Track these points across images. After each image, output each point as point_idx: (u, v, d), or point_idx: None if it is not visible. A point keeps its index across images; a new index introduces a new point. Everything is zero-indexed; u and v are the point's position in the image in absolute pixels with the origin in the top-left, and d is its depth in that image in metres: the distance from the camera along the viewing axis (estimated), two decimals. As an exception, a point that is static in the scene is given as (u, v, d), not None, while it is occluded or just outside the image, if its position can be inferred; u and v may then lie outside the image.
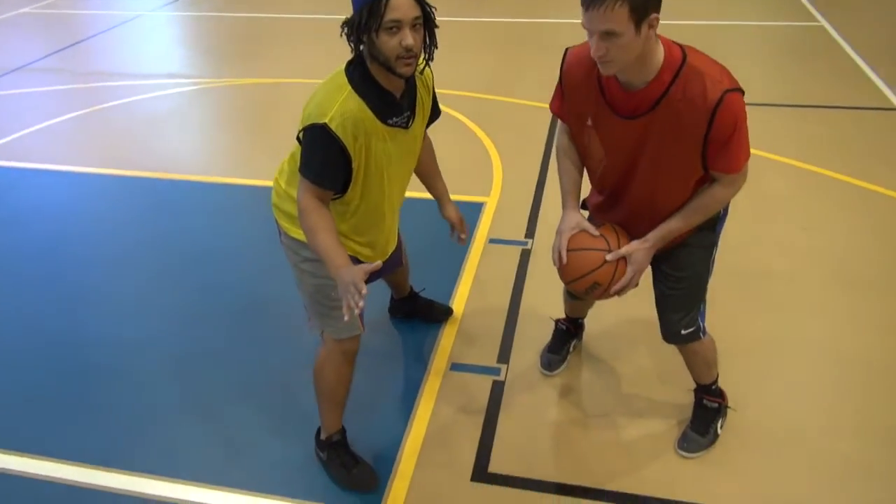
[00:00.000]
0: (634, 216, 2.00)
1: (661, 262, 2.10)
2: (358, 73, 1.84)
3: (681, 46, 1.75)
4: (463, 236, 2.41)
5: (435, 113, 2.16)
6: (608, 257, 1.93)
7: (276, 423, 2.47)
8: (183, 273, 3.35)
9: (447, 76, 5.51)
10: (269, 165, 4.24)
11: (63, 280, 3.33)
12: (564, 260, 1.97)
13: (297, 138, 1.89)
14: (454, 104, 5.03)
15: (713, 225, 2.04)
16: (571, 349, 2.71)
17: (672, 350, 2.27)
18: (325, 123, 1.77)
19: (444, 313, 2.93)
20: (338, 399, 2.22)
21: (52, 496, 2.22)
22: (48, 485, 2.26)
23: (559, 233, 2.00)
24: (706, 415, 2.33)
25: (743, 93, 1.73)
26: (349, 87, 1.82)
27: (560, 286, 2.46)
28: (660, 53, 1.71)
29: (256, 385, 2.65)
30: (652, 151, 1.82)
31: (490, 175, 4.12)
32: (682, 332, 2.14)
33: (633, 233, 2.00)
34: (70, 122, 5.13)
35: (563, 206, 2.06)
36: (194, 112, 5.39)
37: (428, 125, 2.17)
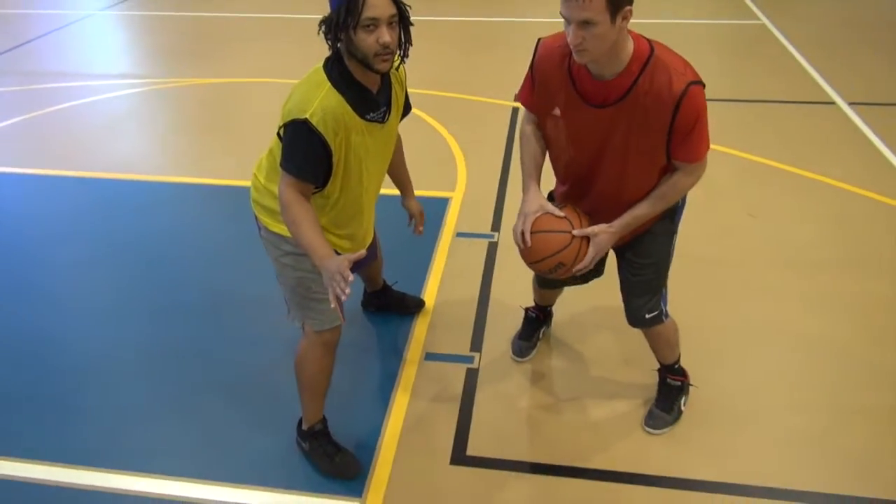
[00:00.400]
0: (601, 206, 2.09)
1: (626, 249, 2.21)
2: (336, 70, 1.90)
3: (648, 41, 1.86)
4: (420, 228, 2.53)
5: (406, 108, 2.24)
6: (575, 232, 2.00)
7: (256, 417, 2.51)
8: (150, 272, 3.34)
9: (407, 74, 5.59)
10: (228, 164, 4.31)
11: (28, 282, 3.29)
12: (528, 243, 2.01)
13: (278, 134, 1.94)
14: (415, 102, 5.04)
15: (673, 214, 2.17)
16: (541, 336, 2.82)
17: (636, 333, 2.40)
18: (307, 119, 1.83)
19: (416, 305, 3.01)
20: (319, 389, 2.28)
21: (30, 496, 2.22)
22: (26, 485, 2.26)
23: (522, 215, 2.04)
24: (670, 393, 2.47)
25: (704, 86, 1.85)
26: (328, 84, 1.88)
27: (528, 276, 2.57)
28: (630, 46, 1.81)
29: (234, 380, 2.68)
30: (619, 141, 1.93)
31: (454, 171, 4.21)
32: (647, 316, 2.27)
33: (598, 222, 2.08)
34: (21, 125, 5.02)
35: (525, 189, 2.11)
36: (149, 112, 5.33)
37: (400, 120, 2.24)
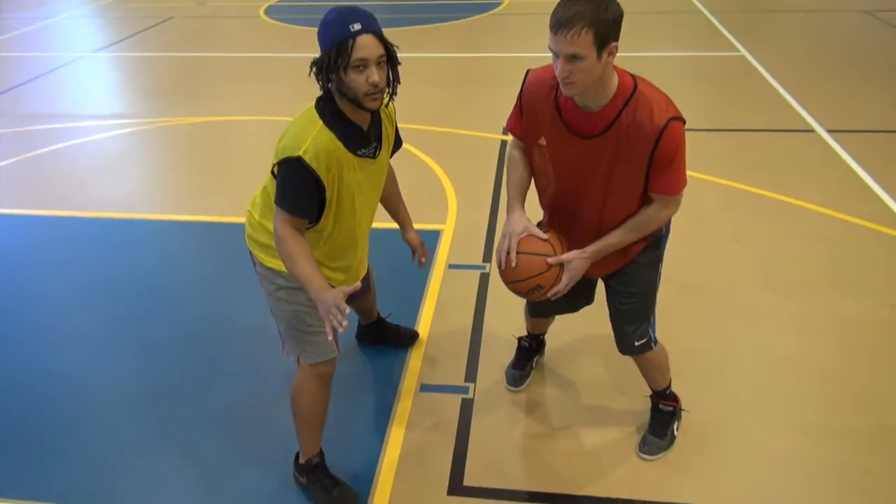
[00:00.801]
0: (584, 235, 2.14)
1: (612, 279, 2.27)
2: (328, 109, 1.97)
3: (633, 76, 1.94)
4: (423, 259, 2.56)
5: (397, 143, 2.31)
6: (550, 261, 2.04)
7: (251, 451, 2.52)
8: (143, 309, 3.36)
9: (398, 110, 5.69)
10: (220, 202, 4.37)
11: (21, 321, 3.31)
12: (513, 263, 2.05)
13: (272, 172, 2.00)
14: (406, 136, 5.13)
15: (658, 242, 2.23)
16: (534, 365, 2.86)
17: (627, 361, 2.44)
18: (300, 156, 1.89)
19: (410, 337, 3.04)
20: (315, 422, 2.30)
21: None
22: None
23: (508, 235, 2.08)
24: (663, 418, 2.50)
25: (684, 122, 1.93)
26: (320, 122, 1.94)
27: (520, 305, 2.62)
28: (615, 80, 1.89)
29: (228, 414, 2.69)
30: (603, 172, 2.00)
31: (445, 203, 4.28)
32: (636, 343, 2.31)
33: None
34: (14, 167, 5.06)
35: (510, 209, 2.15)
36: (141, 152, 5.39)
37: (391, 155, 2.31)
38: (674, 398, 2.53)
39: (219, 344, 3.10)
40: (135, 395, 2.82)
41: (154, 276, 3.64)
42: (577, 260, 2.08)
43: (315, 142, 1.91)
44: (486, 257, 3.68)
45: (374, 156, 2.09)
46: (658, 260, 2.25)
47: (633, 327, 2.29)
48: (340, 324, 1.82)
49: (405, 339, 3.04)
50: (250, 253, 2.24)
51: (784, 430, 2.56)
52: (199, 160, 5.15)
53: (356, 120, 1.99)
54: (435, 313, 3.25)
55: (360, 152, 2.02)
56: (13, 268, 3.80)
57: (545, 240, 2.09)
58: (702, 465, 2.42)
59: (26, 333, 3.25)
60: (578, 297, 2.34)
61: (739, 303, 3.28)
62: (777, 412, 2.65)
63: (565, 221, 2.21)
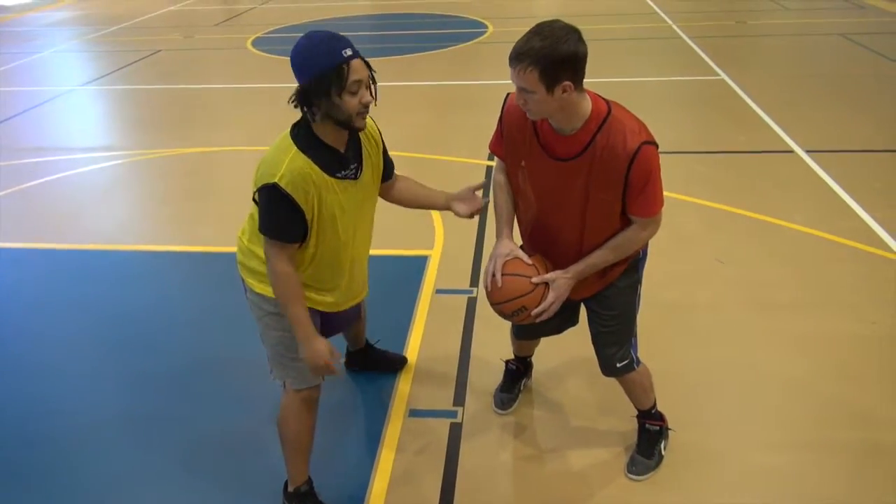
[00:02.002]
0: (564, 258, 2.18)
1: (593, 303, 2.30)
2: (302, 134, 2.01)
3: (607, 101, 2.00)
4: (479, 194, 2.40)
5: (389, 166, 2.34)
6: (534, 280, 2.10)
7: (242, 482, 2.52)
8: (134, 339, 3.36)
9: (384, 136, 5.76)
10: (209, 232, 4.39)
11: (11, 354, 3.30)
12: (499, 284, 2.11)
13: (254, 199, 2.04)
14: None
15: (636, 266, 2.27)
16: (522, 388, 2.88)
17: (612, 382, 2.47)
18: (276, 183, 1.94)
19: (399, 363, 3.06)
20: (303, 447, 2.31)
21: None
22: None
23: (494, 257, 2.16)
24: (649, 438, 2.52)
25: (657, 146, 1.98)
26: (294, 148, 1.98)
27: (508, 329, 2.65)
28: (587, 105, 1.95)
29: (218, 446, 2.69)
30: (580, 194, 2.04)
31: (431, 229, 4.32)
32: (618, 365, 2.34)
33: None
34: (4, 199, 5.07)
35: (498, 234, 2.23)
36: (131, 183, 5.42)
37: (388, 174, 2.34)
38: (660, 417, 2.55)
39: (208, 374, 3.10)
40: (125, 427, 2.81)
41: (144, 307, 3.65)
42: (560, 279, 2.11)
43: (290, 167, 1.95)
44: (474, 282, 3.71)
45: (355, 177, 2.12)
46: (636, 282, 2.29)
47: (615, 349, 2.32)
48: (335, 372, 1.94)
49: (394, 364, 3.05)
50: (241, 279, 2.26)
51: (770, 447, 2.58)
52: (188, 191, 5.18)
53: (332, 142, 2.03)
54: (423, 338, 3.27)
55: (339, 174, 2.06)
56: (1, 301, 3.79)
57: (530, 263, 2.14)
58: (690, 484, 2.44)
59: (15, 366, 3.23)
60: (562, 319, 2.37)
61: (723, 322, 3.32)
62: (763, 430, 2.67)
63: (547, 244, 2.24)
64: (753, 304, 3.44)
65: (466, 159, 5.41)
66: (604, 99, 2.00)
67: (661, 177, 2.00)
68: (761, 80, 7.16)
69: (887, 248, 3.86)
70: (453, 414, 2.80)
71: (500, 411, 2.79)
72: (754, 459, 2.53)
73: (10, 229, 4.63)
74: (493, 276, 2.13)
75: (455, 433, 2.70)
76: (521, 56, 1.81)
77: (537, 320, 2.16)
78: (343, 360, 2.15)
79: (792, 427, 2.68)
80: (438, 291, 3.65)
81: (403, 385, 2.96)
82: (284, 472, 2.34)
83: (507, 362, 2.86)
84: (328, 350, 2.07)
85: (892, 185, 4.68)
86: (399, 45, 9.46)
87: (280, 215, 1.99)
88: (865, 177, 4.77)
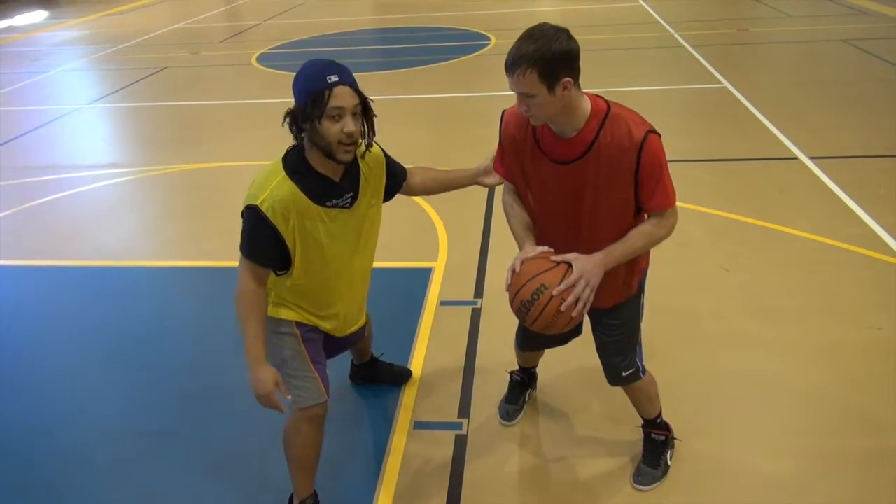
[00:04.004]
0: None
1: (597, 312, 2.28)
2: (293, 159, 2.02)
3: (605, 100, 1.99)
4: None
5: (397, 172, 2.33)
6: (554, 258, 1.95)
7: (247, 496, 2.52)
8: (140, 355, 3.38)
9: (387, 150, 5.78)
10: (214, 246, 4.41)
11: (17, 371, 3.32)
12: (517, 270, 1.97)
13: (242, 215, 2.06)
14: (396, 177, 5.27)
15: (642, 279, 2.25)
16: (527, 399, 2.87)
17: (617, 392, 2.46)
18: (257, 205, 1.96)
19: (404, 375, 3.06)
20: (308, 464, 2.31)
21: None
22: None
23: (519, 258, 2.01)
24: (655, 448, 2.51)
25: (660, 136, 1.96)
26: (283, 173, 2.00)
27: (512, 339, 2.65)
28: (586, 105, 1.94)
29: (224, 462, 2.70)
30: (590, 196, 2.00)
31: (435, 241, 4.33)
32: (624, 373, 2.33)
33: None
34: (12, 218, 5.12)
35: (520, 246, 2.11)
36: (137, 200, 5.46)
37: (399, 181, 2.33)
38: (665, 427, 2.54)
39: (214, 389, 3.11)
40: (129, 444, 2.82)
41: (150, 323, 3.67)
42: (583, 260, 1.94)
43: (273, 192, 1.96)
44: (478, 293, 3.71)
45: (349, 206, 2.12)
46: (640, 291, 2.29)
47: (620, 358, 2.31)
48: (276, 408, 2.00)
49: (399, 377, 3.05)
50: None
51: (777, 455, 2.56)
52: (194, 206, 5.22)
53: (324, 171, 2.03)
54: (428, 350, 3.27)
55: (329, 203, 2.05)
56: (10, 318, 3.82)
57: (557, 261, 1.99)
58: (697, 493, 2.42)
59: (22, 382, 3.25)
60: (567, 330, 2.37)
61: (729, 329, 3.31)
62: (769, 437, 2.66)
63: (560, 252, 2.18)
64: (759, 311, 3.43)
65: (470, 171, 5.41)
66: (602, 98, 2.00)
67: (667, 164, 1.97)
68: (764, 88, 7.16)
69: (893, 253, 3.85)
70: (458, 426, 2.79)
71: (505, 422, 2.79)
72: (761, 467, 2.51)
73: (19, 247, 4.67)
74: (512, 268, 1.99)
75: (460, 445, 2.70)
76: (518, 61, 1.81)
77: (566, 309, 1.90)
78: (288, 397, 2.16)
79: (799, 434, 2.66)
80: (443, 303, 3.65)
81: (408, 397, 2.96)
82: (289, 485, 2.34)
83: (511, 373, 2.86)
84: (273, 381, 2.04)
85: (896, 190, 4.67)
86: (402, 59, 9.52)
87: (256, 238, 2.01)
88: (870, 182, 4.76)
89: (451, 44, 10.38)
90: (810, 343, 3.17)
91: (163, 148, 6.61)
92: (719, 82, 7.48)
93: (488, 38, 10.33)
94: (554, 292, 1.91)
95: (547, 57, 1.79)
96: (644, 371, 2.38)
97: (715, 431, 2.69)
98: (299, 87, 1.94)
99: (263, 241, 2.01)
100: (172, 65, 10.11)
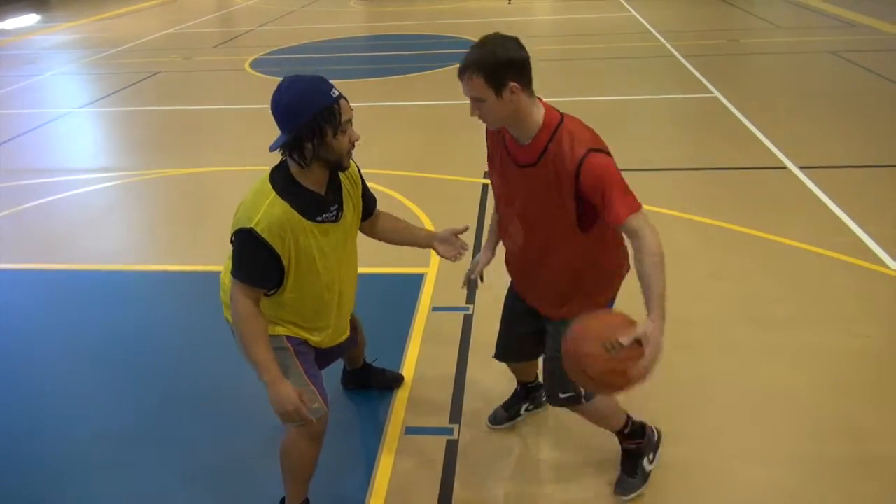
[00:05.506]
0: (528, 269, 2.19)
1: (550, 324, 2.25)
2: (281, 178, 2.03)
3: (561, 113, 2.02)
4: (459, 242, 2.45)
5: (370, 200, 2.36)
6: (624, 341, 1.80)
7: (235, 501, 2.51)
8: (131, 360, 3.36)
9: (380, 157, 5.81)
10: (207, 251, 4.40)
11: (9, 375, 3.29)
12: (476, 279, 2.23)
13: (231, 241, 2.05)
14: (388, 182, 5.29)
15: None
16: (523, 412, 2.83)
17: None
18: (252, 228, 1.96)
19: (395, 381, 3.06)
20: (305, 475, 2.31)
21: None
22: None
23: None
24: (629, 457, 2.48)
25: (609, 154, 1.94)
26: (273, 193, 2.00)
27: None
28: (539, 115, 1.97)
29: (216, 469, 2.69)
30: (540, 202, 2.04)
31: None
32: (560, 395, 2.28)
33: (528, 287, 2.24)
34: (2, 220, 5.10)
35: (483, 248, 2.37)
36: (129, 203, 5.45)
37: (369, 210, 2.36)
38: (637, 436, 2.46)
39: (208, 394, 3.10)
40: (122, 450, 2.81)
41: (141, 327, 3.65)
42: (651, 333, 1.84)
43: (267, 213, 1.96)
44: (470, 299, 3.73)
45: (336, 220, 2.14)
46: None
47: (556, 381, 2.25)
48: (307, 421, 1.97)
49: (391, 382, 3.05)
50: (228, 322, 2.25)
51: (765, 461, 2.58)
52: (187, 211, 5.21)
53: (312, 186, 2.05)
54: (419, 356, 3.27)
55: (319, 218, 2.07)
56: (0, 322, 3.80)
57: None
58: (686, 500, 2.44)
59: (10, 387, 3.23)
60: (534, 342, 2.35)
61: (718, 337, 3.33)
62: (757, 444, 2.67)
63: (515, 258, 2.27)
64: (748, 319, 3.45)
65: (462, 177, 5.44)
66: (558, 111, 2.02)
67: (622, 181, 1.93)
68: (754, 98, 7.24)
69: (881, 262, 3.89)
70: (449, 431, 2.80)
71: (490, 425, 2.78)
72: (749, 474, 2.53)
73: (9, 251, 4.64)
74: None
75: (451, 451, 2.70)
76: (465, 67, 1.88)
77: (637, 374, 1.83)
78: (315, 404, 2.12)
79: (787, 441, 2.68)
80: (435, 309, 3.66)
81: (399, 403, 2.97)
82: (280, 491, 2.34)
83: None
84: (297, 393, 2.01)
85: (884, 199, 4.72)
86: (394, 66, 9.55)
87: (254, 260, 2.00)
88: (858, 192, 4.82)
89: (444, 51, 10.43)
90: (799, 351, 3.20)
91: (155, 152, 6.60)
92: (710, 92, 7.54)
93: (481, 46, 10.38)
94: (639, 373, 1.81)
95: (492, 62, 1.86)
96: (587, 399, 2.27)
97: (703, 437, 2.71)
98: (305, 105, 1.91)
99: (261, 263, 2.01)
100: (165, 69, 10.10)
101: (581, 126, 2.00)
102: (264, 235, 1.95)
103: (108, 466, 2.72)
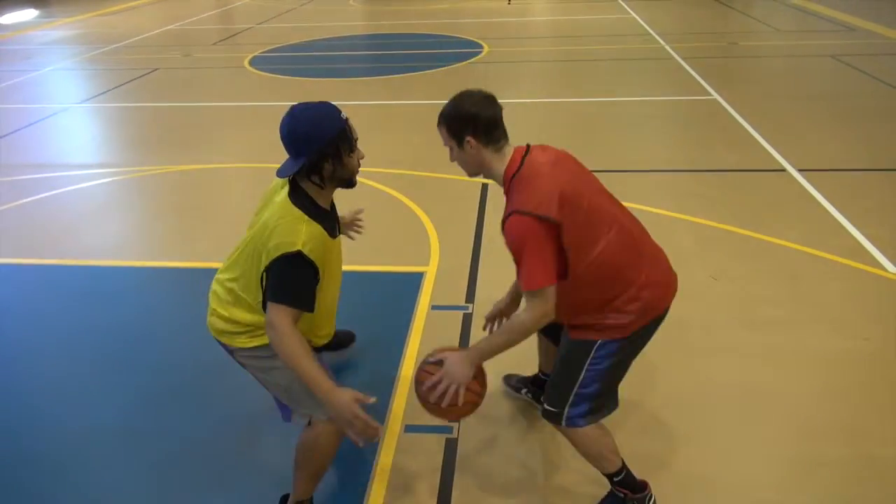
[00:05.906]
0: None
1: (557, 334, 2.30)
2: (304, 201, 2.09)
3: (522, 161, 2.02)
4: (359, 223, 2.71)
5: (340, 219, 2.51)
6: (430, 359, 2.17)
7: (239, 496, 2.51)
8: (130, 355, 3.36)
9: (379, 155, 5.80)
10: (205, 247, 4.40)
11: (6, 369, 3.28)
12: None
13: (264, 271, 2.04)
14: (387, 181, 5.29)
15: (591, 344, 2.10)
16: (522, 394, 2.90)
17: (608, 418, 2.30)
18: (300, 251, 1.99)
19: (348, 340, 3.14)
20: (320, 472, 2.33)
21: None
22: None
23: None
24: (613, 500, 2.33)
25: (538, 218, 1.89)
26: (305, 216, 2.05)
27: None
28: (499, 167, 2.06)
29: (214, 463, 2.69)
30: None
31: (427, 245, 4.34)
32: (545, 405, 2.24)
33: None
34: (1, 215, 5.08)
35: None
36: (128, 199, 5.44)
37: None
38: (629, 487, 2.30)
39: (207, 389, 3.10)
40: (119, 445, 2.81)
41: (138, 323, 3.65)
42: (451, 357, 2.10)
43: (308, 235, 2.02)
44: (469, 298, 3.73)
45: (339, 233, 2.30)
46: (585, 355, 2.11)
47: (550, 391, 2.24)
48: (373, 436, 1.95)
49: (343, 343, 3.11)
50: (226, 346, 2.28)
51: (763, 463, 2.59)
52: (185, 207, 5.20)
53: (324, 205, 2.15)
54: (418, 354, 3.27)
55: (335, 235, 2.19)
56: (-4, 317, 3.79)
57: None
58: (682, 501, 2.44)
59: (8, 381, 3.22)
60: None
61: (717, 339, 3.34)
62: (755, 446, 2.68)
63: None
64: (746, 321, 3.46)
65: (461, 177, 5.42)
66: (524, 160, 2.02)
67: (538, 251, 1.91)
68: (753, 101, 7.25)
69: (878, 265, 3.90)
70: (449, 430, 2.80)
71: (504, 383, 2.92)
72: (748, 476, 2.53)
73: (7, 245, 4.63)
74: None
75: (451, 448, 2.70)
76: (439, 117, 2.07)
77: (435, 401, 2.13)
78: (373, 399, 2.05)
79: (784, 443, 2.69)
80: (434, 307, 3.66)
81: (398, 401, 2.97)
82: (281, 487, 2.34)
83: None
84: (355, 399, 1.95)
85: (882, 203, 4.74)
86: (394, 65, 9.55)
87: (302, 282, 2.04)
88: (856, 195, 4.83)
89: (444, 51, 10.43)
90: (798, 353, 3.21)
91: (153, 149, 6.58)
92: (709, 94, 7.56)
93: (481, 46, 10.38)
94: (423, 389, 2.13)
95: (452, 115, 2.04)
96: (571, 423, 2.18)
97: (700, 438, 2.72)
98: (322, 129, 2.01)
99: (309, 285, 2.07)
100: (164, 66, 10.08)
101: (530, 183, 1.97)
102: (311, 256, 2.02)
103: (103, 459, 2.72)
